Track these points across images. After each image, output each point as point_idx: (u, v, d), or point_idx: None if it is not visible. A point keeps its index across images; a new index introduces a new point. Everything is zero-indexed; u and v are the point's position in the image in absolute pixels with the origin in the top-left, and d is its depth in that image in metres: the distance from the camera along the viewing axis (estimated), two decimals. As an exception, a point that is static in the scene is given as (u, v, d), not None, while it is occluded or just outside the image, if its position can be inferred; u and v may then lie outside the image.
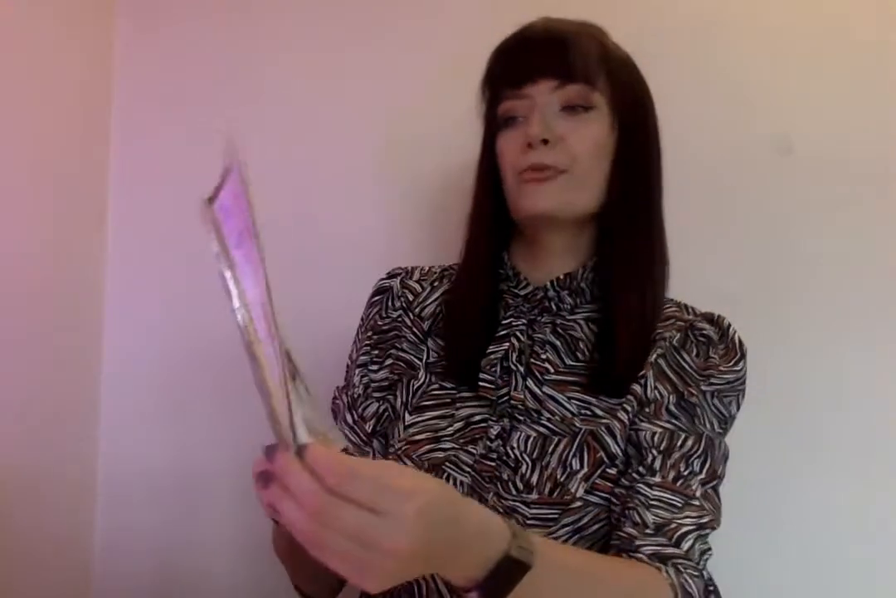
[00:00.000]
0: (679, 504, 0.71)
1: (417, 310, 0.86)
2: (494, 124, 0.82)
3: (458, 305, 0.84)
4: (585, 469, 0.75)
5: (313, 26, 1.26)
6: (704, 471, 0.74)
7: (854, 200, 1.00)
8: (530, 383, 0.79)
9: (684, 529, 0.70)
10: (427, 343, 0.85)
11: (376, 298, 0.88)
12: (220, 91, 1.29)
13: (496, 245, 0.84)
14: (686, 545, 0.69)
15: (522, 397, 0.78)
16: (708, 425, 0.77)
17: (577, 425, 0.76)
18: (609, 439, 0.76)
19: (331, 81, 1.25)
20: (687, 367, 0.78)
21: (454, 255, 0.86)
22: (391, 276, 0.90)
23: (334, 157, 1.24)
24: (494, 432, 0.77)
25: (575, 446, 0.76)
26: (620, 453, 0.76)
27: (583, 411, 0.77)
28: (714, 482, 0.75)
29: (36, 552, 1.20)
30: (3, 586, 1.14)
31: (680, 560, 0.68)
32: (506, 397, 0.78)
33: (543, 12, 0.79)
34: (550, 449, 0.76)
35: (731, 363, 0.78)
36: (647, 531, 0.69)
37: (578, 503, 0.74)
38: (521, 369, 0.79)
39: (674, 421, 0.76)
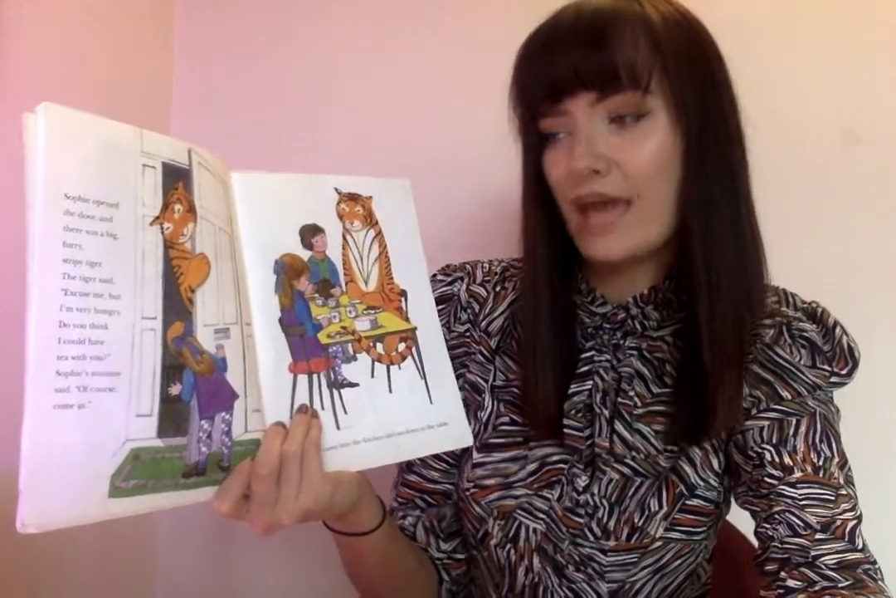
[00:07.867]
0: (832, 497, 0.65)
1: (484, 324, 0.79)
2: (536, 140, 0.70)
3: (530, 342, 0.73)
4: (665, 508, 0.71)
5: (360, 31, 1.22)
6: (835, 453, 0.68)
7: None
8: (618, 425, 0.72)
9: (850, 525, 0.64)
10: (495, 362, 0.78)
11: (439, 307, 0.74)
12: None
13: (559, 268, 0.74)
14: (860, 543, 0.64)
15: (608, 444, 0.71)
16: (814, 404, 0.70)
17: (662, 464, 0.72)
18: (688, 469, 0.71)
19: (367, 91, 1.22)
20: (783, 362, 0.71)
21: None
22: (452, 279, 0.81)
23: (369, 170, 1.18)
24: (582, 484, 0.72)
25: (654, 487, 0.71)
26: (700, 482, 0.71)
27: (668, 448, 0.72)
28: (848, 463, 0.69)
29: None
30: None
31: (868, 566, 0.62)
32: (590, 441, 0.72)
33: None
34: (631, 492, 0.71)
35: (842, 372, 0.71)
36: (818, 535, 0.63)
37: (658, 543, 0.70)
38: (607, 412, 0.72)
39: (776, 407, 0.69)
